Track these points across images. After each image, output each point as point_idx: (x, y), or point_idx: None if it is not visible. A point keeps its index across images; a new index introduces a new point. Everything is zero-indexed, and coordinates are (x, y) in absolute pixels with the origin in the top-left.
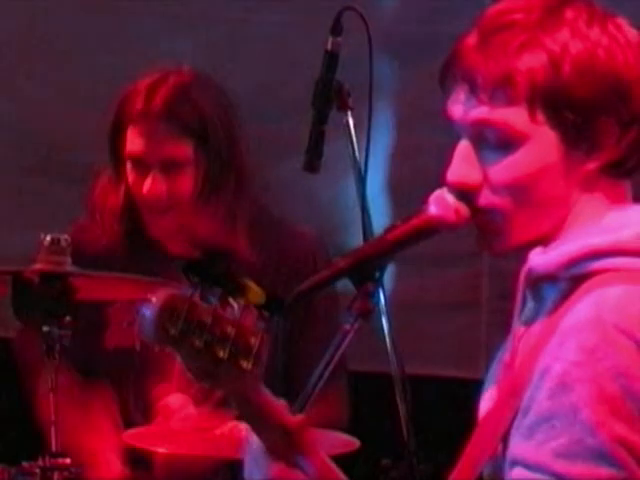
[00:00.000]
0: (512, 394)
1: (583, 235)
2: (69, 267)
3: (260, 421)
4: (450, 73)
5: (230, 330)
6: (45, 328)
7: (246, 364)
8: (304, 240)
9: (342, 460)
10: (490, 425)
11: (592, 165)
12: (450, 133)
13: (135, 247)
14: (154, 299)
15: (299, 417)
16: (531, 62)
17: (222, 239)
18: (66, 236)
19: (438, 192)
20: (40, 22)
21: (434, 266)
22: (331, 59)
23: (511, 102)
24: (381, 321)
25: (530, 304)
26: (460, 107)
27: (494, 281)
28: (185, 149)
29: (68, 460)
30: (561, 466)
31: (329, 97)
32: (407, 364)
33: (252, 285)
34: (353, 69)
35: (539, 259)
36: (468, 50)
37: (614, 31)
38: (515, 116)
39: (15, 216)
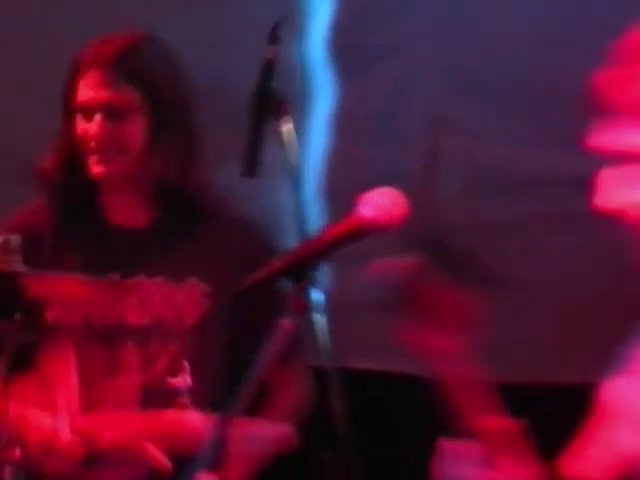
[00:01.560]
0: None
1: None
2: (19, 266)
3: (460, 412)
4: (589, 108)
5: (451, 305)
6: None
7: (457, 336)
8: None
9: (282, 454)
10: (626, 413)
11: None
12: (382, 140)
13: (76, 218)
14: (396, 266)
15: (509, 423)
16: None
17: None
18: (17, 236)
19: (369, 194)
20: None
21: None
22: (268, 68)
23: None
24: (317, 317)
25: None
26: (606, 138)
27: None
28: (130, 96)
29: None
30: None
31: (266, 105)
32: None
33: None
34: (291, 77)
35: None
36: (610, 85)
37: None
38: None
39: None
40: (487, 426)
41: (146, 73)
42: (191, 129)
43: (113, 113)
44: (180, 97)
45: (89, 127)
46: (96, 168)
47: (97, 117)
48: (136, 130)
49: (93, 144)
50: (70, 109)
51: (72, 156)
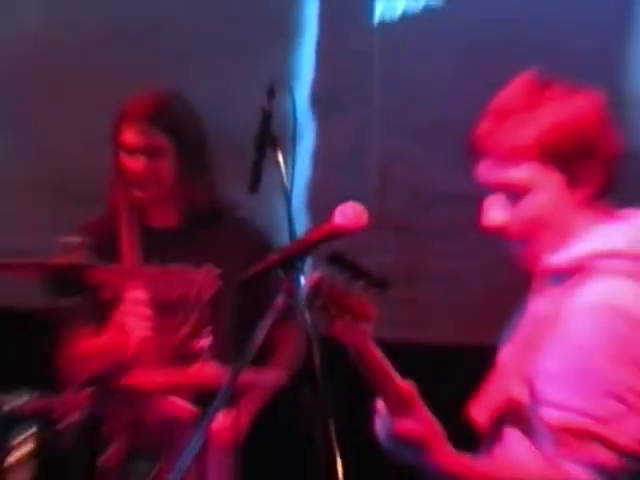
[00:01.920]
0: (528, 349)
1: (584, 241)
2: (81, 259)
3: (378, 381)
4: (474, 151)
5: (353, 303)
6: (65, 303)
7: (361, 325)
8: (256, 229)
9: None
10: (509, 369)
11: (579, 196)
12: (348, 168)
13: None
14: (308, 280)
15: (407, 383)
16: (530, 133)
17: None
18: (79, 237)
19: (340, 207)
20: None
21: None
22: (266, 115)
23: (521, 163)
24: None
25: (541, 289)
26: (485, 173)
27: None
28: (162, 142)
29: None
30: (587, 406)
31: (265, 142)
32: None
33: (369, 272)
34: (283, 122)
35: (553, 259)
36: (485, 134)
37: (582, 100)
38: (525, 173)
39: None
40: (395, 389)
41: (175, 125)
42: (207, 161)
43: (149, 154)
44: (200, 140)
45: (130, 163)
46: (136, 193)
47: (137, 157)
48: (167, 166)
49: (134, 178)
50: (117, 147)
51: (120, 182)
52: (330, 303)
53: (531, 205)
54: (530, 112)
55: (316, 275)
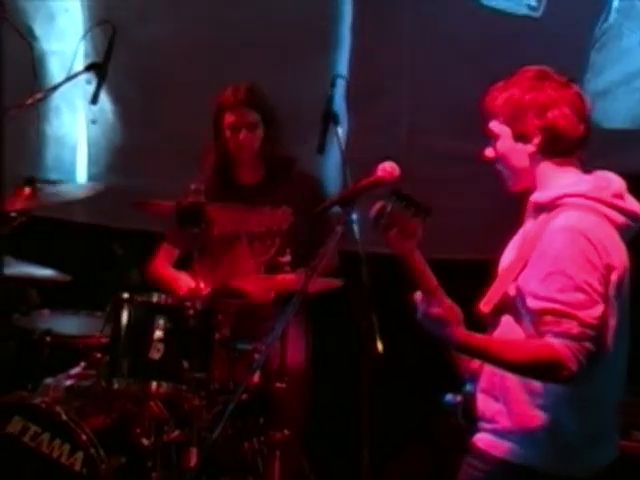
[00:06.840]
0: (520, 259)
1: (559, 186)
2: (201, 199)
3: (418, 277)
4: (482, 113)
5: (406, 224)
6: (191, 230)
7: (411, 240)
8: (313, 179)
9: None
10: (507, 273)
11: (529, 149)
12: (384, 136)
13: (223, 181)
14: (374, 207)
15: (435, 281)
16: (497, 102)
17: (276, 164)
18: (201, 185)
19: (381, 164)
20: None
21: None
22: (329, 100)
23: (493, 119)
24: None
25: (530, 217)
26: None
27: None
28: (256, 117)
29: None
30: (562, 297)
31: (328, 120)
32: None
33: (419, 202)
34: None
35: (538, 196)
36: (484, 102)
37: (541, 82)
38: (493, 125)
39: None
40: (430, 283)
41: (262, 105)
42: (280, 132)
43: (249, 127)
44: (275, 117)
45: (238, 136)
46: (241, 157)
47: (243, 131)
48: (259, 136)
49: (239, 147)
50: (219, 128)
51: (223, 154)
52: (390, 223)
53: (498, 146)
54: (502, 91)
55: (381, 203)
